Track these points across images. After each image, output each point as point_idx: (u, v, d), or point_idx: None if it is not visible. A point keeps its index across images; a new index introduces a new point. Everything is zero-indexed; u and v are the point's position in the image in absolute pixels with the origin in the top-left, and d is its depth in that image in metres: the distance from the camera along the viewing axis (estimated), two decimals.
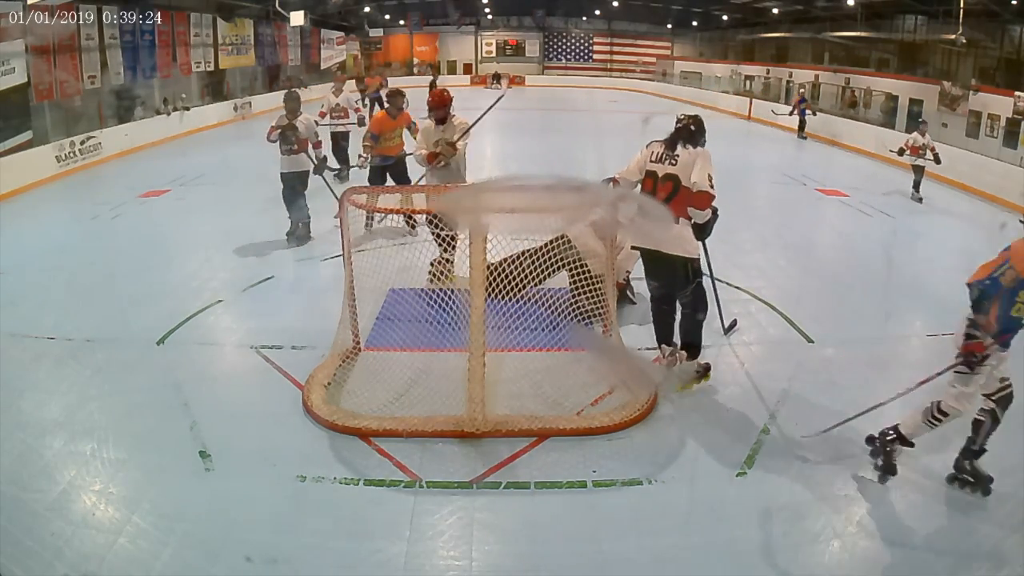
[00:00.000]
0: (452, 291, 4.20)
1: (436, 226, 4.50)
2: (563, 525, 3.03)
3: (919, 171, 9.57)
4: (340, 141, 9.92)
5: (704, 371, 4.25)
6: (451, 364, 3.89)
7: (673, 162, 3.98)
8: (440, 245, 4.88)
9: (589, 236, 4.81)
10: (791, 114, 16.53)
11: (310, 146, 6.75)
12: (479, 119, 5.92)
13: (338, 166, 9.73)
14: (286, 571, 2.77)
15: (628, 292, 5.31)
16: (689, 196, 3.94)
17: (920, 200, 9.50)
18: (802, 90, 18.54)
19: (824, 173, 11.80)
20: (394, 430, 3.58)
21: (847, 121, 15.73)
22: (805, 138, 15.94)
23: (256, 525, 2.99)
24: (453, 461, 3.42)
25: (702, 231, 4.04)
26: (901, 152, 9.69)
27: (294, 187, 6.76)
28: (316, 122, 9.13)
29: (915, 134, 9.67)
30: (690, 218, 3.98)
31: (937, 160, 9.42)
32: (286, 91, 7.15)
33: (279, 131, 6.61)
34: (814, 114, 16.29)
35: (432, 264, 4.83)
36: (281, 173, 6.77)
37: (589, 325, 4.46)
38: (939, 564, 2.81)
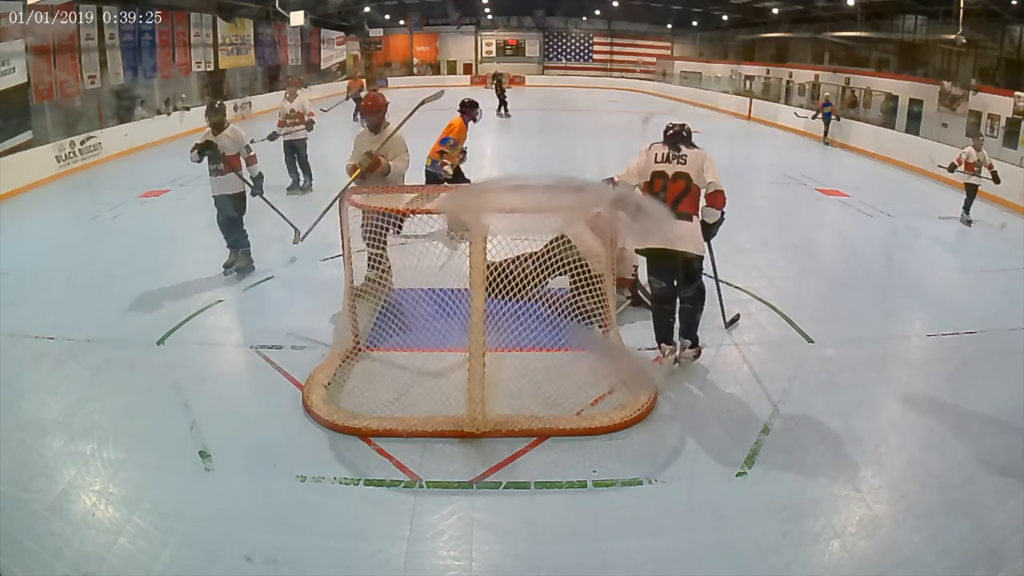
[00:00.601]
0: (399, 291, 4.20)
1: (370, 244, 4.23)
2: (563, 525, 3.03)
3: (972, 190, 8.31)
4: (298, 150, 9.12)
5: (698, 352, 4.43)
6: (451, 364, 3.90)
7: (682, 161, 4.11)
8: (370, 262, 4.48)
9: (588, 236, 4.81)
10: (815, 117, 15.76)
11: (243, 163, 5.81)
12: (401, 124, 5.04)
13: (293, 177, 9.10)
14: (286, 571, 2.77)
15: (640, 293, 5.17)
16: (700, 194, 4.11)
17: (970, 223, 8.27)
18: (827, 93, 17.65)
19: (824, 173, 11.81)
20: (394, 430, 3.58)
21: (848, 122, 15.69)
22: (828, 143, 15.09)
23: (256, 525, 2.99)
24: (453, 461, 3.42)
25: (710, 230, 4.21)
26: (952, 168, 8.49)
27: (227, 212, 5.85)
28: (275, 132, 8.91)
29: (969, 148, 8.46)
30: (699, 216, 4.14)
31: (996, 179, 8.17)
32: (208, 104, 6.09)
33: (196, 150, 5.61)
34: (838, 119, 15.25)
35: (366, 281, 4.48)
36: (212, 197, 5.90)
37: (589, 325, 4.46)
38: (939, 564, 2.80)
